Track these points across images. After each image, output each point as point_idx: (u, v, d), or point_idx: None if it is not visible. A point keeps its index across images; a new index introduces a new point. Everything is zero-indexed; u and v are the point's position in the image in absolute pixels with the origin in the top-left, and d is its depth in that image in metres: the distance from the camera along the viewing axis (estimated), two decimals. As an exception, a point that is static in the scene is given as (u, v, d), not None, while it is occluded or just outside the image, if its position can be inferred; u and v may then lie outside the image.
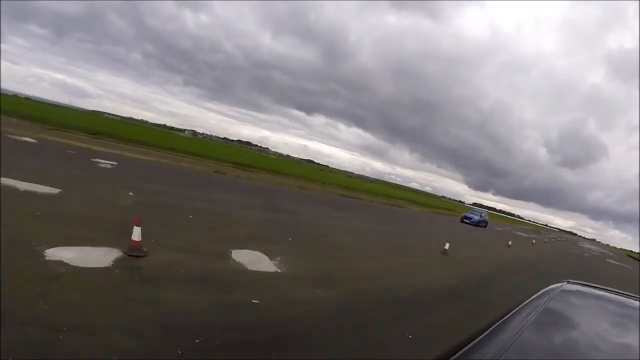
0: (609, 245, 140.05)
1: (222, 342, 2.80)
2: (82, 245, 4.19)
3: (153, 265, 4.09)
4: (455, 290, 6.16)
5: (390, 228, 13.78)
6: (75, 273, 3.50)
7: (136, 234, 4.24)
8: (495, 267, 10.16)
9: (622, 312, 1.25)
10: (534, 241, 26.80)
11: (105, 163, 12.21)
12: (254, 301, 3.65)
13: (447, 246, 9.84)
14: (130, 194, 7.94)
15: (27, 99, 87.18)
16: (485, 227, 28.97)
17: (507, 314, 1.01)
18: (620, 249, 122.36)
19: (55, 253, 3.82)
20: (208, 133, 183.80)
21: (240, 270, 4.57)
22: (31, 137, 14.37)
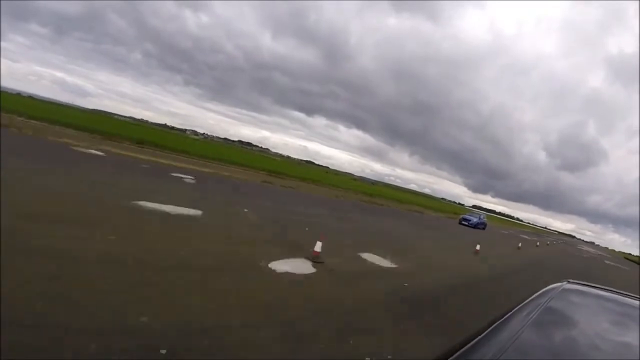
0: (607, 248, 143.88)
1: (412, 299, 5.32)
2: (284, 259, 5.78)
3: (333, 267, 5.97)
4: (507, 273, 9.85)
5: (424, 232, 16.52)
6: (307, 278, 5.15)
7: (318, 246, 6.29)
8: (519, 262, 13.34)
9: (622, 311, 1.26)
10: (538, 243, 29.80)
11: (187, 178, 13.72)
12: (405, 284, 6.24)
13: (477, 247, 12.66)
14: (245, 210, 9.85)
15: (30, 97, 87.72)
16: (483, 229, 29.42)
17: (507, 314, 1.03)
18: (619, 252, 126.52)
19: (277, 266, 5.30)
20: (208, 133, 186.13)
21: (377, 267, 7.09)
22: (96, 150, 15.40)
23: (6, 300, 2.74)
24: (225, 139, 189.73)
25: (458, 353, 0.77)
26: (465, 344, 0.81)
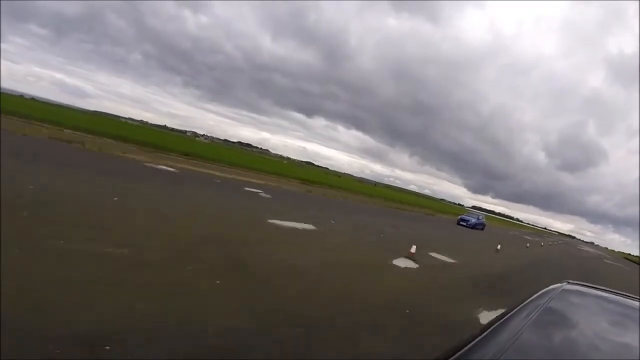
0: (607, 248, 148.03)
1: (479, 280, 8.27)
2: (396, 259, 8.14)
3: (425, 263, 8.89)
4: (528, 266, 13.07)
5: (450, 234, 19.72)
6: (419, 270, 7.74)
7: (413, 249, 9.03)
8: (531, 260, 16.46)
9: (622, 312, 1.26)
10: (542, 243, 33.12)
11: (261, 193, 15.61)
12: (469, 272, 9.45)
13: (499, 247, 15.84)
14: (332, 222, 12.22)
15: (33, 99, 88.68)
16: (482, 229, 29.40)
17: (507, 314, 1.04)
18: (619, 252, 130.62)
19: (397, 263, 7.82)
20: (208, 134, 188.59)
21: (446, 262, 9.85)
22: (164, 165, 16.27)
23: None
24: (225, 140, 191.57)
25: (458, 353, 0.78)
26: (465, 344, 0.82)
